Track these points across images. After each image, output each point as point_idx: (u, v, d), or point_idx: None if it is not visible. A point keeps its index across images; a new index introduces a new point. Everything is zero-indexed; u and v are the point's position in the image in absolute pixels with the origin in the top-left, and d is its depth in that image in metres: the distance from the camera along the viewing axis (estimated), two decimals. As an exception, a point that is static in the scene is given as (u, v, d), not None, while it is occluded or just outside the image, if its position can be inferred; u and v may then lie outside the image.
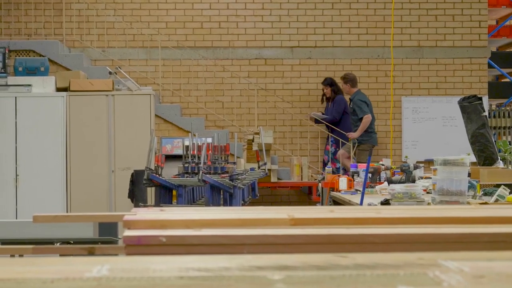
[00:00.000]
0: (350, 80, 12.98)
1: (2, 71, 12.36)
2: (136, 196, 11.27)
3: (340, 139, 12.90)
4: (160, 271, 1.74)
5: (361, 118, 12.68)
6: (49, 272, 1.73)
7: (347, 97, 13.13)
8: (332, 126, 13.04)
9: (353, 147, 12.73)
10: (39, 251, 2.82)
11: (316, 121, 13.35)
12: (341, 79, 13.08)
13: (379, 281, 1.69)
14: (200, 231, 2.40)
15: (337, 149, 13.01)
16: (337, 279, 1.69)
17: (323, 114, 13.27)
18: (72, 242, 4.53)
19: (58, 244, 4.53)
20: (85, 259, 2.03)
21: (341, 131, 12.93)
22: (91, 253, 2.79)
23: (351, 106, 12.91)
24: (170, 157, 11.60)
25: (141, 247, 2.32)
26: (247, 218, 2.58)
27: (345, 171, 12.56)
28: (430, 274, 1.74)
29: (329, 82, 13.22)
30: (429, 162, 12.51)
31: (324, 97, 13.43)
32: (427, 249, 2.31)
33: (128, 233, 2.36)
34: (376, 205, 6.71)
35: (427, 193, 7.59)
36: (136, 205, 10.89)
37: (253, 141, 12.06)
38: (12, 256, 4.26)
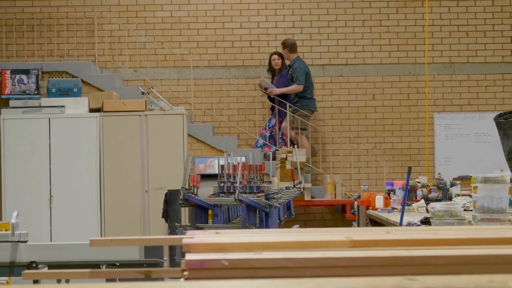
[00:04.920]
0: (289, 45, 13.03)
1: (36, 92, 12.45)
2: (170, 216, 11.29)
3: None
4: (234, 297, 1.73)
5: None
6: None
7: (286, 63, 13.18)
8: (280, 99, 12.96)
9: (293, 114, 12.74)
10: (96, 275, 2.82)
11: (266, 90, 13.19)
12: (281, 44, 13.12)
13: (457, 305, 1.67)
14: (261, 254, 2.39)
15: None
16: (415, 304, 1.68)
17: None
18: (118, 264, 4.54)
19: (104, 267, 4.54)
20: (151, 284, 2.02)
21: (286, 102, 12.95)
22: (148, 276, 2.79)
23: (289, 72, 12.90)
24: (204, 177, 11.59)
25: (203, 271, 2.32)
26: (306, 241, 2.56)
27: (293, 143, 12.58)
28: (507, 297, 1.72)
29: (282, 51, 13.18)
30: (462, 179, 12.43)
31: (270, 70, 13.29)
32: (492, 271, 2.28)
33: (189, 257, 2.35)
34: (416, 223, 6.68)
35: (464, 210, 7.53)
36: (171, 225, 10.92)
37: (286, 159, 12.05)
38: (59, 281, 4.26)
